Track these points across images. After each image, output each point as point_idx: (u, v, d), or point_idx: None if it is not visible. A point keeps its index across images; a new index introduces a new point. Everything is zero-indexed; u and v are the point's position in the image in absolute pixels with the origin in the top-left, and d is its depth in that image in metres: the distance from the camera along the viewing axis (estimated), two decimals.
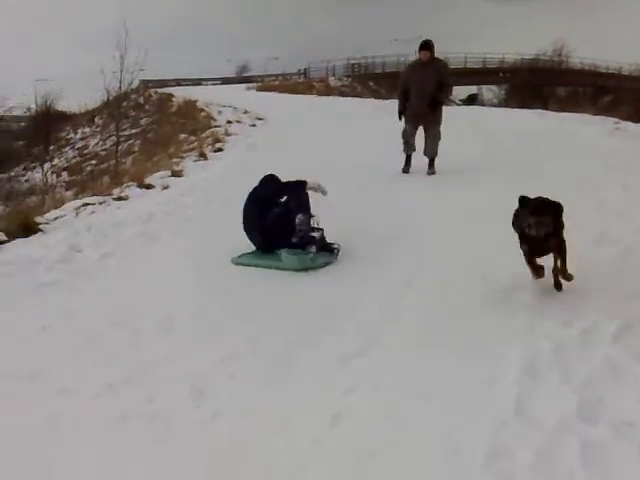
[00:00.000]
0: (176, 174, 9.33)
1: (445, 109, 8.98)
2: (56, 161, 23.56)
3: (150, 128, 21.99)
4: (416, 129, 8.81)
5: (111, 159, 18.26)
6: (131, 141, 20.80)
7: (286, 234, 5.21)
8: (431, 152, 8.80)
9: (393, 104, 9.83)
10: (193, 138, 14.41)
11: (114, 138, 20.07)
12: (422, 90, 8.48)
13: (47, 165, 22.33)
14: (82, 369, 3.55)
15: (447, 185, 7.89)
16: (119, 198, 7.93)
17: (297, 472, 2.60)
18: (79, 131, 27.03)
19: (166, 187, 8.57)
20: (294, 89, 30.25)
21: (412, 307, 4.20)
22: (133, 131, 22.21)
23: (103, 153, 21.45)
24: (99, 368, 3.53)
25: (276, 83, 35.61)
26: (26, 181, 20.83)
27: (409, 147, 8.86)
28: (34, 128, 28.10)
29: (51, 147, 25.76)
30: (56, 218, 7.02)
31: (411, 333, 3.79)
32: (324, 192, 5.57)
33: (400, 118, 8.84)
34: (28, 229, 6.40)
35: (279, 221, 5.21)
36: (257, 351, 3.68)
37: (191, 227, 6.51)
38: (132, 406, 3.14)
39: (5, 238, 6.12)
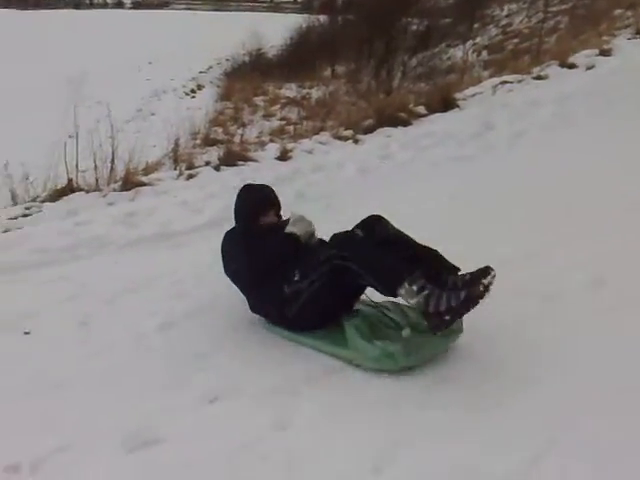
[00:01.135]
0: (604, 53, 8.45)
1: None
2: (478, 39, 23.66)
3: (581, 3, 20.18)
4: None
5: (534, 37, 17.52)
6: (558, 18, 19.51)
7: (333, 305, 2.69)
8: None
9: None
10: (630, 13, 12.72)
11: (540, 15, 19.16)
12: None
13: (469, 43, 22.66)
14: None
15: None
16: (538, 77, 7.66)
17: None
18: (505, 8, 26.42)
19: (591, 67, 7.87)
20: None
21: None
22: (562, 7, 20.71)
23: (526, 31, 20.68)
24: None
25: None
26: (447, 59, 21.55)
27: None
28: (461, 5, 28.46)
29: (475, 25, 25.90)
30: (473, 95, 7.20)
31: None
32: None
33: None
34: (446, 105, 6.80)
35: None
36: None
37: (612, 110, 5.87)
38: None
39: (425, 112, 6.62)
